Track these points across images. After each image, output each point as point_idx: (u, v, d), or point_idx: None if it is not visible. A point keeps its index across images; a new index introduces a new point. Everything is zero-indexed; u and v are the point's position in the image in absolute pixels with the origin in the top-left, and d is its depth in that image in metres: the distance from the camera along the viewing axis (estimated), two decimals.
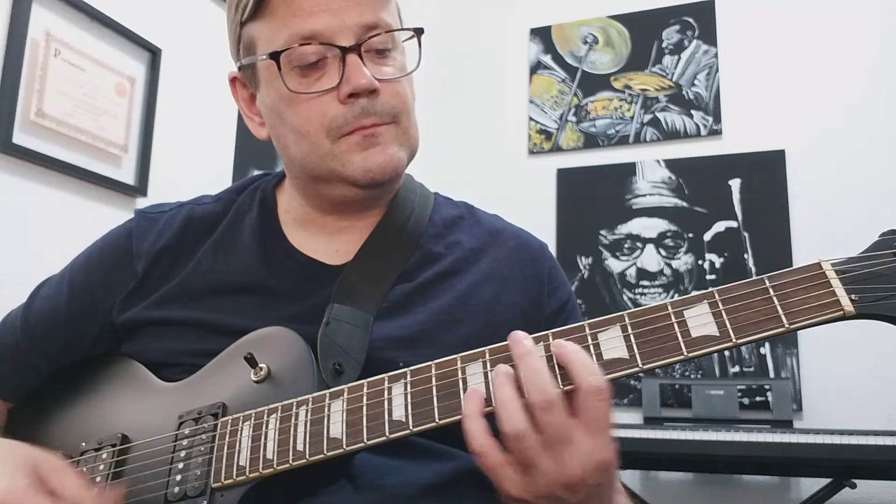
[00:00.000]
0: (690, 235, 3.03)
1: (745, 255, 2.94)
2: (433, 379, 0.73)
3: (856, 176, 2.82)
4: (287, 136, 0.92)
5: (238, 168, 2.45)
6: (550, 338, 0.72)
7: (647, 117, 3.20)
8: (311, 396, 0.78)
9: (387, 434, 0.72)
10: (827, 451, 2.19)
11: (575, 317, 0.99)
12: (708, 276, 2.98)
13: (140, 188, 2.09)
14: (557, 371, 0.69)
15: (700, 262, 3.00)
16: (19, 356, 0.99)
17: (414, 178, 1.06)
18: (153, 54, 2.16)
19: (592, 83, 3.31)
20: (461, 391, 0.71)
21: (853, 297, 0.64)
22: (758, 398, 2.75)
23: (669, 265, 3.04)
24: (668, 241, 3.06)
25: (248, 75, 0.95)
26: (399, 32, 0.93)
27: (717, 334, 0.67)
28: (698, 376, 2.89)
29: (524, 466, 0.66)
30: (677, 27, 3.22)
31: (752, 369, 2.84)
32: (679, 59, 3.20)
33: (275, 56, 0.87)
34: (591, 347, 0.70)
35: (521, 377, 0.67)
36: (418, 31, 0.94)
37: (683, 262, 3.02)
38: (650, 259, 3.07)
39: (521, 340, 0.70)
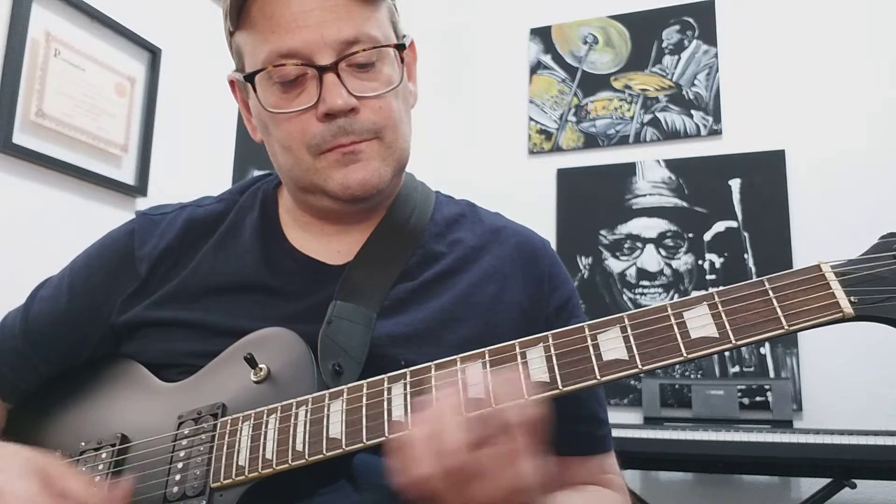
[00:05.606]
0: (690, 235, 3.03)
1: (745, 255, 2.94)
2: (433, 379, 0.73)
3: (856, 176, 2.82)
4: (274, 145, 0.92)
5: (238, 168, 2.46)
6: (550, 339, 0.72)
7: (647, 117, 3.20)
8: (310, 397, 0.78)
9: (386, 434, 0.72)
10: (827, 451, 2.20)
11: (577, 315, 0.99)
12: (708, 277, 2.98)
13: (140, 188, 2.09)
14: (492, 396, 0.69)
15: (700, 262, 3.00)
16: (19, 359, 0.99)
17: (415, 177, 1.06)
18: (153, 54, 2.16)
19: (592, 83, 3.31)
20: (461, 391, 0.72)
21: (852, 298, 0.64)
22: (758, 398, 2.75)
23: (669, 265, 3.04)
24: (668, 241, 3.06)
25: (241, 83, 0.96)
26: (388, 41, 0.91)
27: (717, 336, 0.67)
28: (698, 376, 2.89)
29: (433, 499, 0.68)
30: (677, 27, 3.22)
31: (752, 369, 2.84)
32: (679, 59, 3.20)
33: (250, 79, 0.88)
34: (591, 348, 0.70)
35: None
36: (399, 47, 0.92)
37: (683, 262, 3.02)
38: (650, 259, 3.07)
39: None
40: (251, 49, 0.89)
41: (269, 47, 0.86)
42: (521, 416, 0.67)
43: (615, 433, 1.01)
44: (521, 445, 0.66)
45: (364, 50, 0.87)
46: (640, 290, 3.06)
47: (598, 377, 0.69)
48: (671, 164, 3.11)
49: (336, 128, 0.87)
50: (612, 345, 0.70)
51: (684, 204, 3.07)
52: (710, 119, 3.10)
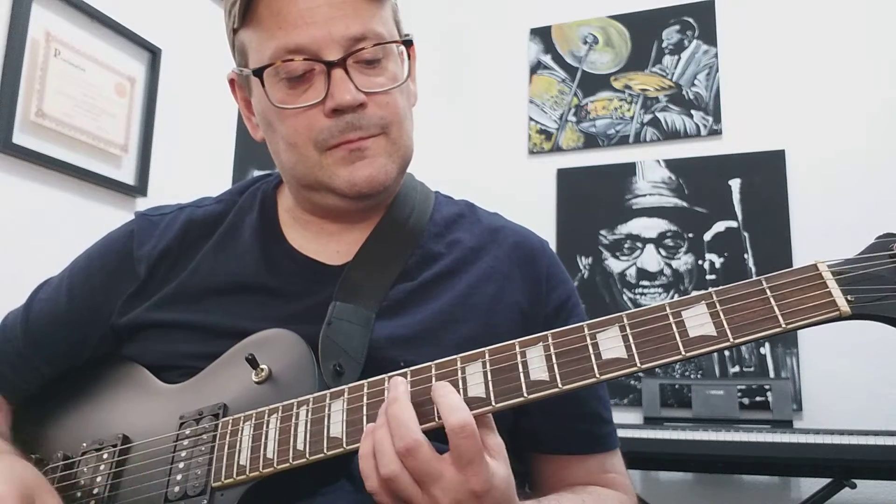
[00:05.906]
0: (690, 235, 3.03)
1: (745, 255, 2.94)
2: (433, 379, 0.74)
3: (856, 176, 2.82)
4: (278, 143, 0.92)
5: (238, 168, 2.46)
6: (550, 338, 0.72)
7: (647, 117, 3.20)
8: (311, 396, 0.78)
9: None
10: (827, 451, 2.19)
11: (577, 315, 0.99)
12: (708, 276, 2.98)
13: (140, 188, 2.10)
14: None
15: (700, 262, 3.00)
16: (20, 359, 0.99)
17: (415, 177, 1.06)
18: (153, 54, 2.16)
19: (592, 83, 3.32)
20: (461, 391, 0.72)
21: (849, 297, 0.64)
22: (758, 398, 2.75)
23: (669, 265, 3.04)
24: (668, 241, 3.06)
25: (243, 81, 0.96)
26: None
27: (715, 334, 0.67)
28: (698, 376, 2.89)
29: (402, 502, 0.69)
30: (677, 27, 3.22)
31: (752, 369, 2.84)
32: (679, 59, 3.20)
33: (258, 73, 0.88)
34: (590, 347, 0.70)
35: (389, 425, 0.70)
36: (406, 43, 0.93)
37: (683, 262, 3.02)
38: (650, 259, 3.07)
39: (394, 385, 0.73)
40: (257, 45, 0.89)
41: (275, 43, 0.86)
42: (453, 422, 0.67)
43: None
44: (474, 449, 0.67)
45: (371, 46, 0.87)
46: (640, 290, 3.06)
47: (598, 375, 0.69)
48: (671, 164, 3.11)
49: (344, 123, 0.87)
50: (611, 344, 0.70)
51: (684, 204, 3.07)
52: (710, 119, 3.10)
